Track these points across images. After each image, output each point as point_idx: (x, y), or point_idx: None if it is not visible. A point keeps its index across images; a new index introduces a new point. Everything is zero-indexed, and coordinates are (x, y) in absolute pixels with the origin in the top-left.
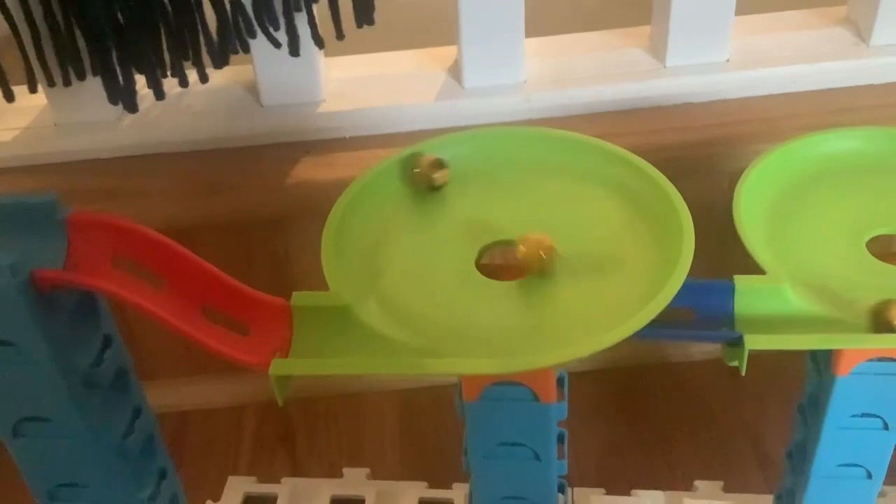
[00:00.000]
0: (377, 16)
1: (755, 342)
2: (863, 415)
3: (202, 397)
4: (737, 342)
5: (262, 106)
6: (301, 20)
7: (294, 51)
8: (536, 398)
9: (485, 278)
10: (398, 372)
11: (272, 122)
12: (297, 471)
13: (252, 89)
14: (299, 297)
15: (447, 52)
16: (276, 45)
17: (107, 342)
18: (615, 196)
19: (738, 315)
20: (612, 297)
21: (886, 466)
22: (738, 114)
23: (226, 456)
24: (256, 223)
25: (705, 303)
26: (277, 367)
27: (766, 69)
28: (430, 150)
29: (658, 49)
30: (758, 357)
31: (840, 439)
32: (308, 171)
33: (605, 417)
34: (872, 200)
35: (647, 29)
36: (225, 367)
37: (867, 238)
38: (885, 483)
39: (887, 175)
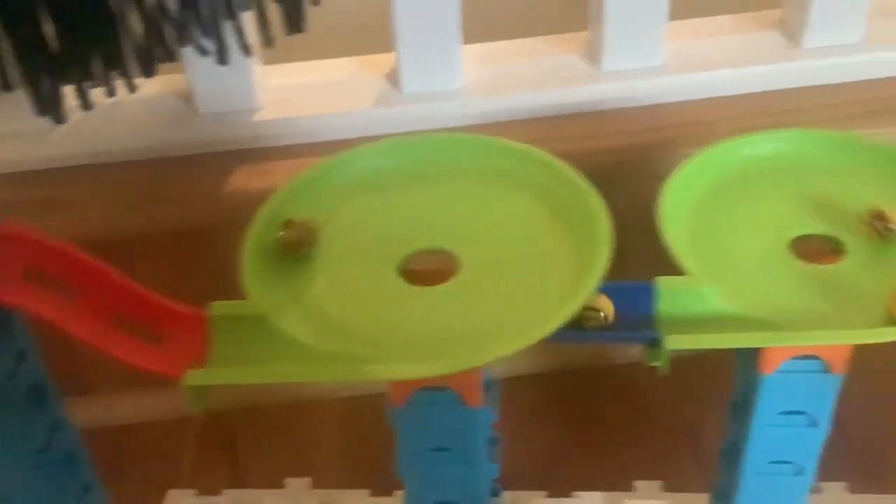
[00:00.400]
0: (323, 23)
1: (675, 342)
2: (790, 412)
3: (144, 410)
4: (657, 343)
5: (197, 114)
6: (237, 26)
7: (222, 59)
8: (463, 402)
9: (408, 285)
10: (314, 379)
11: (208, 131)
12: (239, 482)
13: (188, 98)
14: (217, 307)
15: (386, 59)
16: (204, 52)
17: (21, 357)
18: (534, 199)
19: (660, 316)
20: (531, 299)
21: (816, 462)
22: (674, 118)
23: (167, 468)
24: (195, 233)
25: (626, 305)
26: (192, 378)
27: (701, 73)
28: (344, 164)
29: (594, 54)
30: (700, 357)
31: (769, 437)
32: (245, 179)
33: (547, 421)
34: (795, 201)
35: (584, 34)
36: (166, 380)
37: (790, 238)
38: (821, 479)
39: (809, 176)
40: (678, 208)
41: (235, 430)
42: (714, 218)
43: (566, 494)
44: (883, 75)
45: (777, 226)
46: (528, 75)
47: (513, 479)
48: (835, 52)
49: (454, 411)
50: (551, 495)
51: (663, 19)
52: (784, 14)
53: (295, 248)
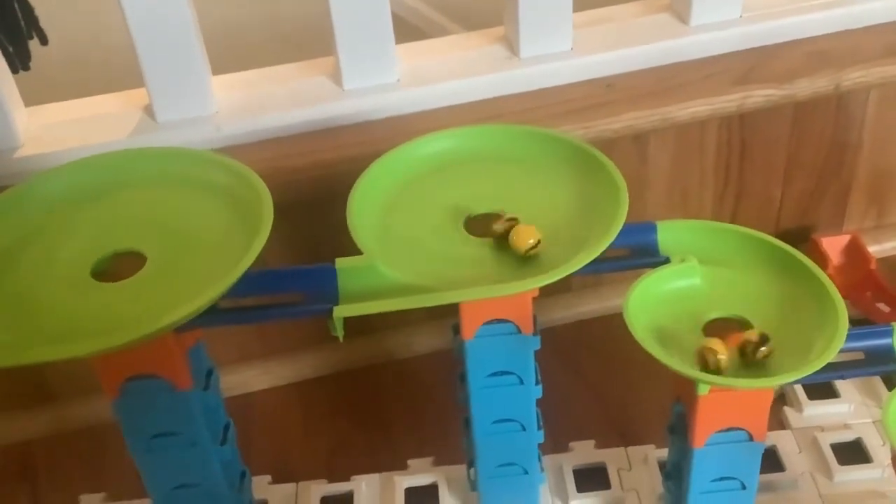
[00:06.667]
0: (93, 62)
1: (343, 311)
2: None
3: None
4: (330, 313)
5: None
6: None
7: None
8: (173, 387)
9: (98, 283)
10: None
11: None
12: None
13: None
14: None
15: (143, 93)
16: None
17: None
18: (216, 198)
19: (343, 292)
20: (199, 279)
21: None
22: (410, 127)
23: None
24: None
25: (313, 286)
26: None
27: (432, 86)
28: (42, 182)
29: (337, 76)
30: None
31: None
32: None
33: (334, 417)
34: (470, 187)
35: (329, 59)
36: None
37: (464, 218)
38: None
39: (480, 165)
40: (368, 201)
41: (34, 457)
42: (399, 207)
43: (346, 479)
44: (587, 77)
45: (454, 208)
46: (277, 98)
47: (300, 473)
48: (547, 60)
49: (168, 396)
50: (332, 481)
51: (391, 42)
52: (505, 30)
53: None
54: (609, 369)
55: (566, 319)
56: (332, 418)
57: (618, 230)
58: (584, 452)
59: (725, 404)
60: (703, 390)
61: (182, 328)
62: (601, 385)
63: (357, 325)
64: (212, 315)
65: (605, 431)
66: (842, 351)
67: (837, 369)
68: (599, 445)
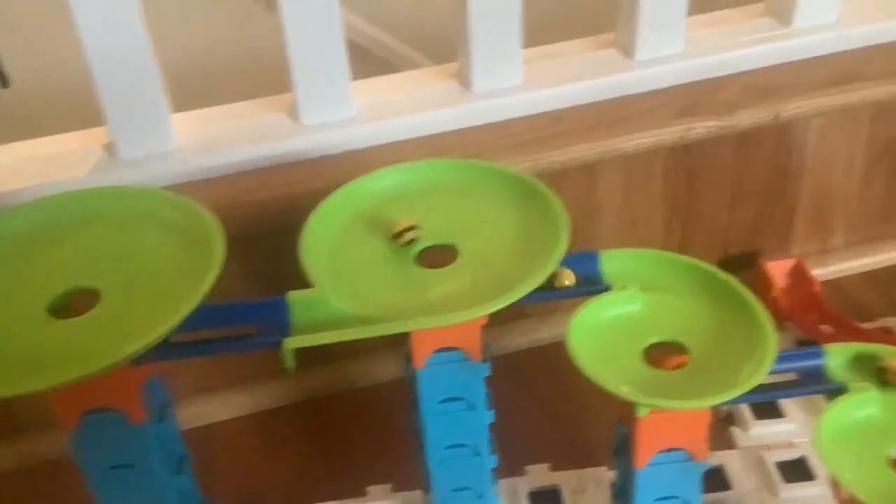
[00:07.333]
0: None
1: (293, 342)
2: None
3: None
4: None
5: None
6: None
7: None
8: (128, 420)
9: (56, 320)
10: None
11: None
12: None
13: None
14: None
15: (104, 131)
16: None
17: None
18: (166, 232)
19: (295, 324)
20: (151, 312)
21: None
22: (368, 161)
23: None
24: None
25: (266, 318)
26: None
27: (389, 120)
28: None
29: (295, 112)
30: None
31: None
32: None
33: (296, 446)
34: (419, 220)
35: (288, 95)
36: None
37: (415, 252)
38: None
39: (430, 198)
40: (319, 236)
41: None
42: (352, 240)
43: None
44: (537, 111)
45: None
46: (236, 135)
47: (260, 501)
48: (499, 94)
49: (123, 429)
50: None
51: (346, 77)
52: (459, 65)
53: None
54: (565, 393)
55: (522, 346)
56: (294, 447)
57: (558, 261)
58: (539, 475)
59: (665, 425)
60: (642, 412)
61: (136, 362)
62: (557, 409)
63: (317, 355)
64: (165, 349)
65: (561, 454)
66: (776, 372)
67: (772, 390)
68: (555, 468)
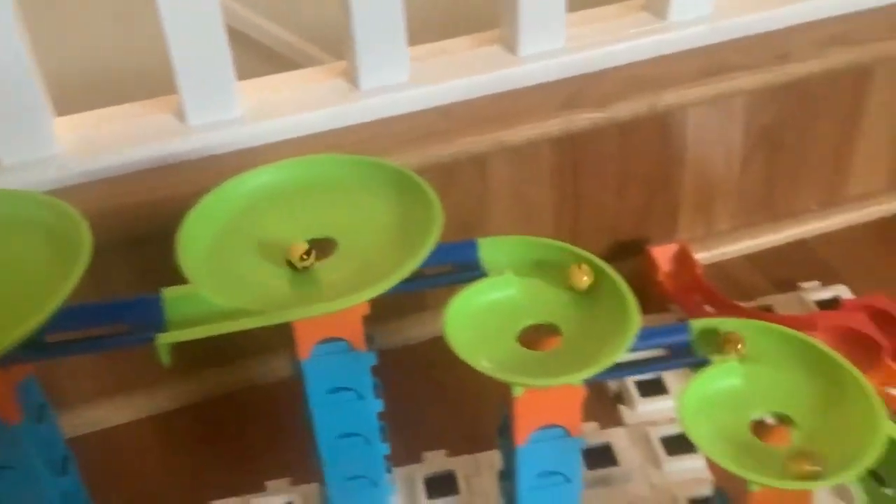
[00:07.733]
0: None
1: (167, 338)
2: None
3: None
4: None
5: None
6: None
7: None
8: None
9: None
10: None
11: None
12: None
13: None
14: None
15: None
16: None
17: None
18: (39, 235)
19: (171, 321)
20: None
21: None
22: (255, 160)
23: None
24: None
25: (140, 316)
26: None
27: (276, 119)
28: None
29: (181, 112)
30: None
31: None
32: None
33: (193, 446)
34: (297, 216)
35: (174, 97)
36: None
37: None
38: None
39: (308, 194)
40: (195, 234)
41: None
42: (230, 238)
43: None
44: (424, 107)
45: (281, 237)
46: (121, 136)
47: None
48: (386, 91)
49: (0, 432)
50: None
51: (231, 77)
52: (345, 63)
53: None
54: (463, 381)
55: (423, 337)
56: (194, 447)
57: (429, 248)
58: (436, 461)
59: (540, 404)
60: (517, 391)
61: (7, 362)
62: (456, 397)
63: (216, 355)
64: (37, 349)
65: (459, 441)
66: (644, 349)
67: (639, 366)
68: (452, 454)
